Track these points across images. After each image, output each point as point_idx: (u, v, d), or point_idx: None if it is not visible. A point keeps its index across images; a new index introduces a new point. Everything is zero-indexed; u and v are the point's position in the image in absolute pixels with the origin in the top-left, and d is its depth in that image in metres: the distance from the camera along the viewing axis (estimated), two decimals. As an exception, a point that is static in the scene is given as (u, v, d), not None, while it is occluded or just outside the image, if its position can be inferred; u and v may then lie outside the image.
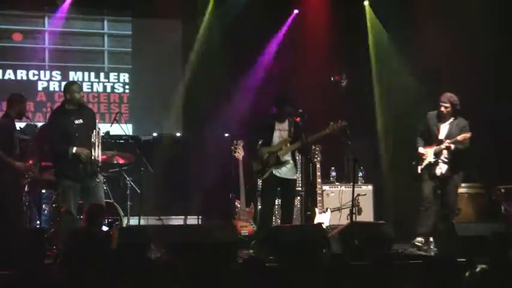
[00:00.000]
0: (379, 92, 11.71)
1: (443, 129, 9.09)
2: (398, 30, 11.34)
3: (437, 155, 9.01)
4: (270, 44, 11.78)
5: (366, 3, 11.88)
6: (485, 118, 10.39)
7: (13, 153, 8.46)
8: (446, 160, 9.01)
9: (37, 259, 7.00)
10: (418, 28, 10.97)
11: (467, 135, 8.88)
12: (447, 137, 9.01)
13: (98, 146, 8.29)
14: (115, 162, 9.77)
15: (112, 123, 10.06)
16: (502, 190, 9.40)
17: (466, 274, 5.02)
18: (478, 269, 5.10)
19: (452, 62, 10.62)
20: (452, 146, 8.91)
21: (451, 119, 9.06)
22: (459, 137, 8.88)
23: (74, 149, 8.12)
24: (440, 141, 8.99)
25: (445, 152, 8.98)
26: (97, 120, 8.61)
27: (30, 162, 8.70)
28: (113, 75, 11.74)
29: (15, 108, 8.52)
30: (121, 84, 11.74)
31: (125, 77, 11.78)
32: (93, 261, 5.72)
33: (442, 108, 9.02)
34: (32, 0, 10.90)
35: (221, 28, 11.58)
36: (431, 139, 9.12)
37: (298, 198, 10.08)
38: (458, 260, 5.29)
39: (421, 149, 9.14)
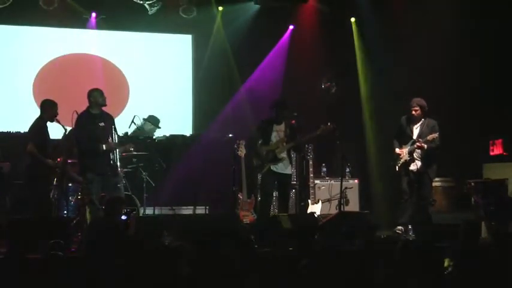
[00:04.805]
0: (364, 97, 11.69)
1: (416, 130, 9.14)
2: (381, 42, 11.34)
3: (411, 153, 9.06)
4: (269, 55, 11.75)
5: (353, 19, 11.87)
6: (457, 122, 10.41)
7: (46, 151, 8.47)
8: (419, 157, 9.03)
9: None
10: (398, 39, 10.99)
11: (435, 135, 8.94)
12: (419, 136, 9.07)
13: (116, 150, 8.42)
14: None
15: (130, 125, 10.05)
16: (472, 184, 9.38)
17: (445, 264, 5.00)
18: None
19: (428, 70, 10.63)
20: (425, 146, 8.94)
21: (422, 120, 9.11)
22: (429, 137, 8.94)
23: (104, 146, 8.27)
24: (414, 141, 9.03)
25: (418, 150, 9.01)
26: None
27: (58, 160, 8.70)
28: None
29: (48, 112, 8.51)
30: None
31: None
32: (113, 247, 5.70)
33: (413, 112, 9.09)
34: (61, 17, 10.90)
35: (227, 42, 11.55)
36: (406, 139, 9.16)
37: (293, 190, 10.04)
38: (434, 244, 5.27)
39: (397, 150, 9.18)
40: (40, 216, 8.06)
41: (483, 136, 10.46)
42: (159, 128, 11.11)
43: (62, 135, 8.55)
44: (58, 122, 8.51)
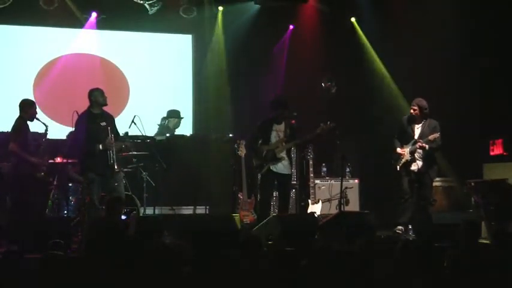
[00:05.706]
0: (364, 97, 11.69)
1: (417, 130, 9.12)
2: (381, 42, 11.36)
3: (412, 153, 9.03)
4: (269, 55, 11.75)
5: (353, 19, 11.87)
6: (457, 122, 10.41)
7: (27, 150, 8.48)
8: (421, 157, 9.02)
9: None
10: (399, 39, 11.00)
11: (437, 135, 8.93)
12: (420, 136, 9.05)
13: (113, 149, 8.41)
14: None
15: (130, 125, 10.03)
16: (472, 184, 9.38)
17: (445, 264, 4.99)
18: None
19: (429, 70, 10.64)
20: (427, 146, 8.92)
21: (423, 121, 9.08)
22: (430, 137, 8.92)
23: (101, 146, 8.26)
24: (415, 141, 9.01)
25: (419, 150, 8.99)
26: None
27: (59, 160, 8.72)
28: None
29: (28, 112, 8.54)
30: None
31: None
32: (113, 246, 5.69)
33: (412, 110, 9.08)
34: (62, 17, 10.91)
35: (227, 41, 11.56)
36: (407, 139, 9.14)
37: (293, 190, 10.04)
38: (435, 244, 5.27)
39: (398, 150, 9.16)
40: (21, 216, 8.06)
41: (483, 136, 10.46)
42: (182, 118, 11.13)
43: (43, 132, 8.61)
44: (38, 120, 8.55)
